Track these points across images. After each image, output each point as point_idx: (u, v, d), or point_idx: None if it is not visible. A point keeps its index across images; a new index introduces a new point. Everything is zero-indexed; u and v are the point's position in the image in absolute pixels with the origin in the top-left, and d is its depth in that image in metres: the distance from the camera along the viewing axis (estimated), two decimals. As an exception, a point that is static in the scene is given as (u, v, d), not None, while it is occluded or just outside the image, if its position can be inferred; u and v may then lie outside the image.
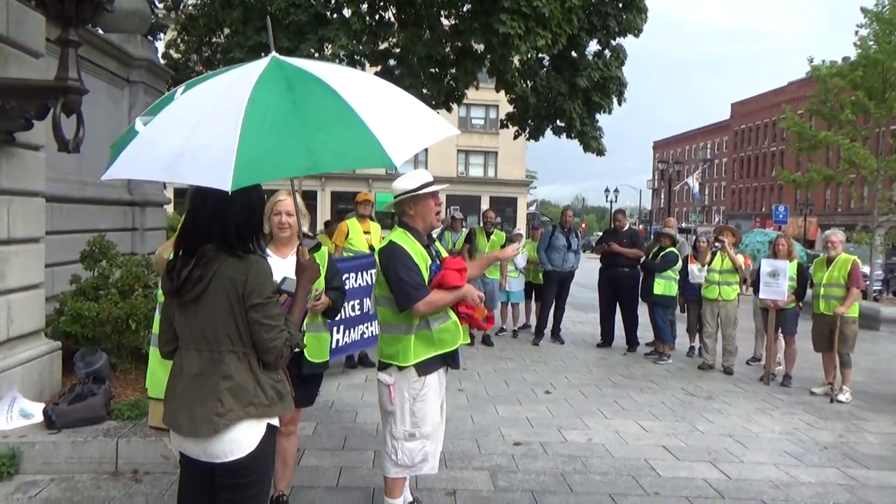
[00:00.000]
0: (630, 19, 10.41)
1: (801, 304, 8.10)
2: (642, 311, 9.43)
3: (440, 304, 3.34)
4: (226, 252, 2.19)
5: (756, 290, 8.18)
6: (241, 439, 2.17)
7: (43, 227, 5.08)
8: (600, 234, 10.05)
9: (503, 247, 9.44)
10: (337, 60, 8.84)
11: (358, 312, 6.77)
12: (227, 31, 11.93)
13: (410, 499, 3.83)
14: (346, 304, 6.56)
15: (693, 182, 29.26)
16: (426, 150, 43.03)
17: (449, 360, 3.51)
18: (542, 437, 5.42)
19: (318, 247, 3.64)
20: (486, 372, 7.77)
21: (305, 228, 3.56)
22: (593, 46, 11.23)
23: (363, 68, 10.47)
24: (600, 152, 11.81)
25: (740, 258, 8.49)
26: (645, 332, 9.58)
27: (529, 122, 12.00)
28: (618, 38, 11.03)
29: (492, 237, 9.36)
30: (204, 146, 1.95)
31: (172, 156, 1.97)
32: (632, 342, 9.52)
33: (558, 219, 9.94)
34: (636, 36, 10.90)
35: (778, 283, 7.82)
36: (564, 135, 11.73)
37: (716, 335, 8.55)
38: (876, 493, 4.59)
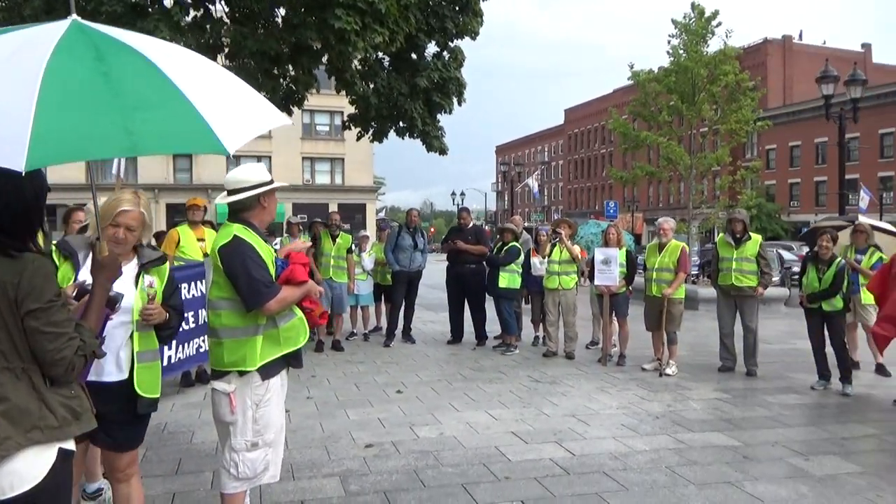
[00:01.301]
0: (466, 21, 10.68)
1: (630, 288, 8.70)
2: (489, 306, 9.69)
3: (290, 301, 3.16)
4: None
5: (591, 278, 8.69)
6: (22, 470, 1.85)
7: None
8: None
9: (349, 250, 9.31)
10: None
11: (192, 325, 6.32)
12: None
13: (252, 516, 3.58)
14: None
15: (533, 182, 30.75)
16: (269, 156, 41.77)
17: (292, 360, 3.32)
18: (394, 436, 5.35)
19: (162, 259, 3.13)
20: (335, 377, 7.57)
21: (146, 240, 3.12)
22: (432, 48, 11.42)
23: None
24: (443, 151, 12.00)
25: (577, 249, 8.98)
26: (493, 325, 9.85)
27: (372, 122, 11.93)
28: (455, 41, 11.29)
29: (338, 240, 9.17)
30: None
31: None
32: (480, 336, 9.75)
33: (404, 220, 9.94)
34: (473, 38, 11.22)
35: (610, 269, 8.35)
36: (407, 135, 11.80)
37: (558, 323, 8.97)
38: (700, 453, 5.00)
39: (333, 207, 44.77)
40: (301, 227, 10.15)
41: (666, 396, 6.80)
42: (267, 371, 3.16)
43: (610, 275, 8.36)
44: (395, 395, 6.74)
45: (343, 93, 11.09)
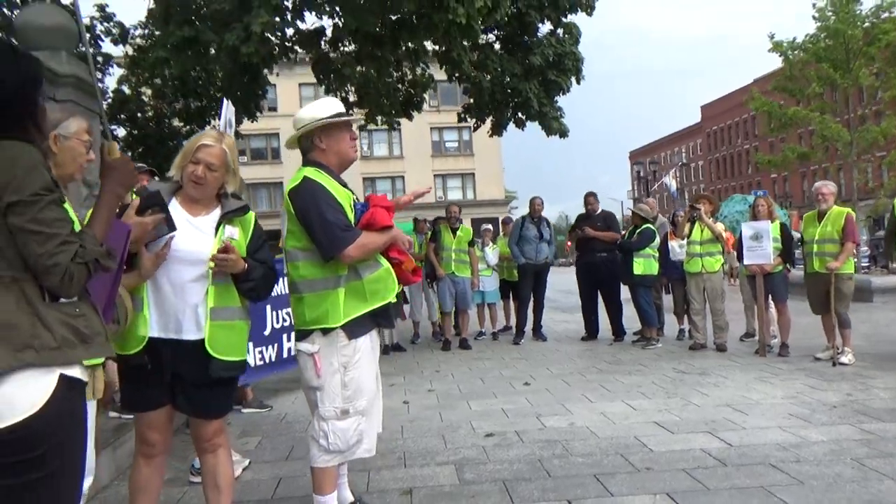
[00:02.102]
0: (579, -8, 10.03)
1: (788, 266, 7.57)
2: (626, 299, 8.87)
3: (372, 248, 2.77)
4: None
5: (740, 258, 7.66)
6: (14, 398, 1.54)
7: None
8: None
9: (471, 244, 8.92)
10: (261, 43, 8.36)
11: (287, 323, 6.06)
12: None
13: (351, 498, 3.19)
14: (276, 313, 5.93)
15: (669, 180, 28.85)
16: (402, 175, 42.89)
17: (381, 318, 2.91)
18: (518, 426, 4.80)
19: (245, 209, 2.78)
20: (460, 372, 7.14)
21: (231, 189, 2.77)
22: (545, 29, 10.87)
23: (295, 55, 10.05)
24: (563, 133, 11.32)
25: (720, 226, 7.99)
26: (632, 322, 9.01)
27: (488, 109, 11.51)
28: (569, 15, 10.66)
29: (458, 233, 8.81)
30: None
31: None
32: (618, 332, 8.95)
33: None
34: (588, 13, 10.53)
35: (762, 245, 7.29)
36: (525, 119, 11.26)
37: (704, 311, 8.00)
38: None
39: (467, 222, 45.07)
40: (428, 225, 9.91)
41: (843, 386, 5.71)
42: (353, 329, 2.78)
43: (762, 251, 7.29)
44: (523, 388, 6.18)
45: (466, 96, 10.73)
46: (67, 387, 1.62)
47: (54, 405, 1.58)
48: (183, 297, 2.57)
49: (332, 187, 2.78)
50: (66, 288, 1.60)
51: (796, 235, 7.83)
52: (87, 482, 2.49)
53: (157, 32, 12.03)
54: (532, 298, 9.36)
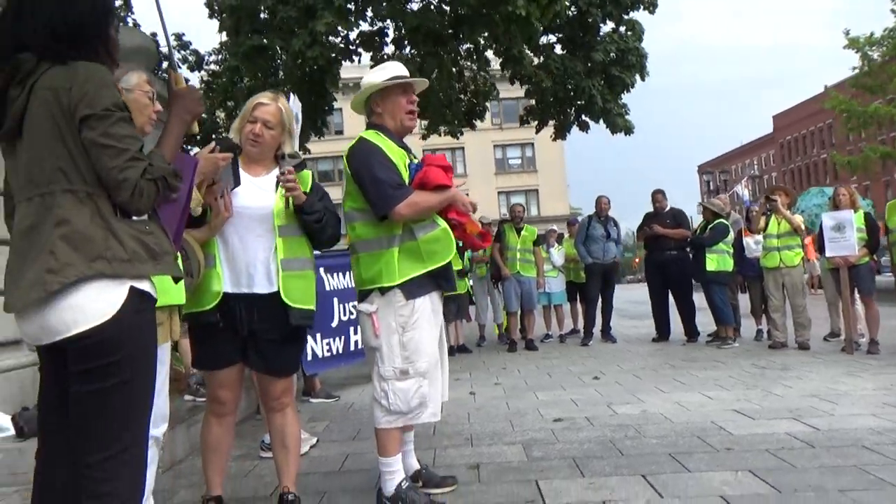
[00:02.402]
0: (641, -10, 9.87)
1: (875, 258, 7.11)
2: (699, 298, 8.53)
3: (425, 207, 2.73)
4: (47, 59, 1.63)
5: (821, 250, 7.25)
6: (87, 305, 1.56)
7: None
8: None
9: (535, 243, 8.81)
10: (327, 45, 8.58)
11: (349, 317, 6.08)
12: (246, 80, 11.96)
13: (417, 466, 3.13)
14: (343, 305, 5.96)
15: (742, 189, 27.84)
16: (466, 193, 42.95)
17: (441, 281, 2.86)
18: (587, 413, 4.64)
19: (303, 165, 2.85)
20: (527, 369, 7.00)
21: (288, 150, 2.84)
22: (606, 29, 10.72)
23: (359, 58, 10.26)
24: (628, 130, 11.06)
25: (798, 218, 7.59)
26: (706, 326, 8.65)
27: (550, 111, 11.40)
28: (631, 13, 10.48)
29: (522, 233, 8.71)
30: None
31: None
32: (691, 332, 8.60)
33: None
34: (651, 11, 10.33)
35: (845, 236, 6.88)
36: (589, 118, 11.08)
37: (784, 308, 7.60)
38: None
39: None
40: (493, 227, 9.82)
41: (943, 377, 5.28)
42: (411, 290, 2.74)
43: (846, 242, 6.88)
44: (592, 381, 6.00)
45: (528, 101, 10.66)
46: (138, 299, 1.64)
47: (125, 315, 1.60)
48: (252, 251, 2.64)
49: (387, 148, 2.77)
50: (135, 203, 1.62)
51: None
52: (161, 429, 2.53)
53: (227, 57, 12.54)
54: (600, 299, 9.14)
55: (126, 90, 2.35)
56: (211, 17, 11.15)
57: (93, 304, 1.57)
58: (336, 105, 13.11)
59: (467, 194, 2.92)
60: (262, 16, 9.17)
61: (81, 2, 1.70)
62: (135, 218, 1.69)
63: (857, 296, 7.21)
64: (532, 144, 43.83)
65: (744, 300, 9.14)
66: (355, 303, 6.05)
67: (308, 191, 2.76)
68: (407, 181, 2.77)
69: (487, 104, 13.12)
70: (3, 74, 1.65)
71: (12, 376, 4.42)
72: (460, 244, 3.03)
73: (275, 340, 2.65)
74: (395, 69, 2.97)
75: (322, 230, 2.74)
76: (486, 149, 43.45)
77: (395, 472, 2.80)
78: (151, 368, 1.70)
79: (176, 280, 1.92)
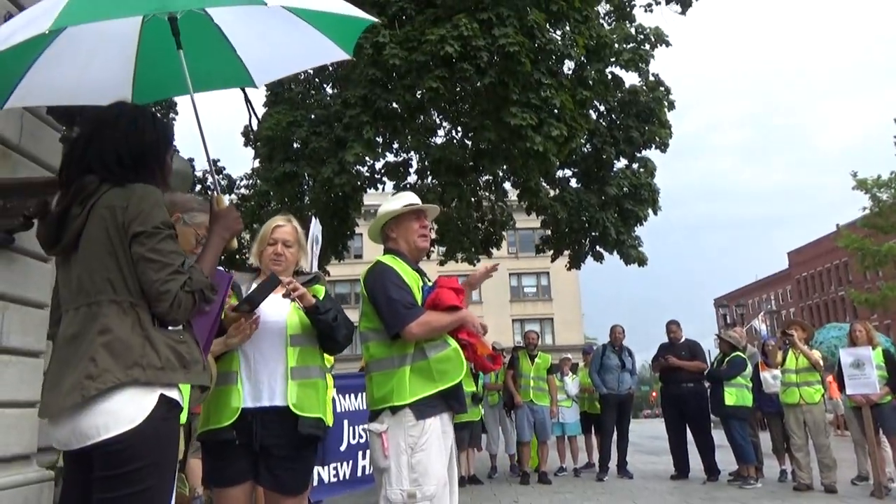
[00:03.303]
0: (653, 131, 10.44)
1: (899, 396, 6.95)
2: (719, 436, 8.29)
3: (436, 327, 2.81)
4: (109, 182, 1.81)
5: (841, 388, 7.12)
6: (119, 410, 1.64)
7: (44, 340, 4.82)
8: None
9: (549, 371, 8.74)
10: (355, 171, 9.07)
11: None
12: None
13: None
14: (353, 428, 5.89)
15: (759, 324, 27.64)
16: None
17: (452, 402, 2.88)
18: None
19: (316, 279, 3.01)
20: (540, 502, 6.72)
21: (305, 266, 3.03)
22: (619, 165, 11.25)
23: (383, 185, 10.74)
24: (641, 262, 11.27)
25: (816, 354, 7.51)
26: (726, 464, 8.34)
27: (565, 241, 11.70)
28: (643, 151, 11.02)
29: (536, 360, 8.66)
30: None
31: None
32: (711, 469, 8.26)
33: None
34: (662, 150, 10.89)
35: (865, 373, 6.79)
36: (603, 249, 11.34)
37: (807, 447, 7.33)
38: None
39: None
40: (503, 355, 9.83)
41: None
42: (421, 409, 2.76)
43: (866, 380, 6.77)
44: (607, 518, 5.74)
45: (540, 222, 11.07)
46: (165, 407, 1.72)
47: (152, 422, 1.67)
48: (273, 365, 2.74)
49: (402, 270, 2.91)
50: (174, 313, 1.74)
51: None
52: None
53: (258, 182, 13.24)
54: (616, 432, 8.89)
55: (185, 222, 2.55)
56: (246, 145, 11.92)
57: (124, 410, 1.65)
58: (357, 230, 13.62)
59: (482, 319, 3.01)
60: (294, 145, 9.82)
61: (148, 133, 1.91)
62: (170, 328, 1.80)
63: (883, 437, 6.98)
64: (547, 273, 44.37)
65: (765, 439, 8.85)
66: (365, 425, 6.04)
67: (322, 299, 2.89)
68: (420, 303, 2.87)
69: (504, 233, 13.52)
70: (68, 195, 1.82)
71: (17, 493, 4.35)
72: (472, 366, 3.07)
73: (286, 456, 2.68)
74: (409, 198, 3.16)
75: (337, 328, 2.84)
76: (501, 276, 43.97)
77: None
78: (172, 476, 1.75)
79: (202, 390, 1.99)
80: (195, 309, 1.78)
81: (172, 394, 1.74)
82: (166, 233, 1.77)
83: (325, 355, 4.02)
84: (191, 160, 10.84)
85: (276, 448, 2.66)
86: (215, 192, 2.16)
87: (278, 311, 2.83)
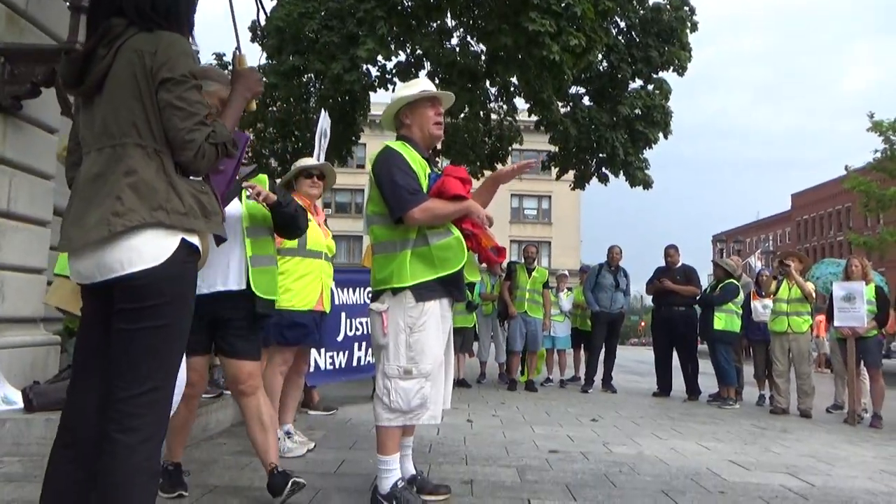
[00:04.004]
0: (673, 52, 10.19)
1: (884, 331, 7.13)
2: (704, 361, 8.53)
3: (439, 214, 2.86)
4: (138, 25, 1.81)
5: (830, 318, 7.28)
6: (143, 248, 1.70)
7: (51, 211, 4.89)
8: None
9: (545, 285, 8.87)
10: (365, 70, 8.93)
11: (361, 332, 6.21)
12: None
13: (413, 471, 3.17)
14: (350, 321, 6.08)
15: (755, 261, 27.84)
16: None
17: (452, 289, 2.96)
18: (583, 448, 4.65)
19: (254, 172, 3.29)
20: (526, 405, 7.00)
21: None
22: (634, 86, 11.03)
23: (393, 87, 10.60)
24: (646, 184, 11.27)
25: (810, 286, 7.64)
26: (708, 387, 8.63)
27: (572, 160, 11.65)
28: (660, 72, 10.80)
29: (533, 273, 8.79)
30: None
31: None
32: (693, 390, 8.57)
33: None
34: (680, 74, 10.66)
35: (855, 307, 6.93)
36: (609, 171, 11.30)
37: (788, 374, 7.58)
38: None
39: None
40: (501, 268, 9.96)
41: (944, 453, 5.24)
42: (422, 293, 2.85)
43: (855, 313, 6.92)
44: (590, 422, 6.00)
45: (546, 136, 10.99)
46: (186, 250, 1.78)
47: (174, 263, 1.73)
48: (225, 254, 2.92)
49: (409, 157, 2.93)
50: (197, 163, 1.77)
51: None
52: (178, 396, 2.63)
53: (265, 78, 13.02)
54: (604, 349, 9.15)
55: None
56: (253, 40, 11.60)
57: (148, 249, 1.70)
58: (361, 140, 13.50)
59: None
60: (305, 39, 9.57)
61: None
62: (192, 178, 1.83)
63: (863, 369, 7.20)
64: (549, 197, 44.30)
65: (749, 369, 9.12)
66: (363, 319, 6.22)
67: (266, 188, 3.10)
68: (426, 190, 2.90)
69: (510, 149, 13.38)
70: (95, 35, 1.81)
71: (26, 352, 4.53)
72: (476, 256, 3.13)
73: (242, 328, 2.97)
74: (424, 84, 3.14)
75: (298, 217, 3.14)
76: (503, 197, 43.89)
77: (392, 471, 2.86)
78: (189, 315, 1.82)
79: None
80: (217, 161, 1.81)
81: (193, 239, 1.79)
82: (193, 82, 1.77)
83: (328, 245, 4.20)
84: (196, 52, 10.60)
85: (233, 321, 2.95)
86: (237, 52, 2.16)
87: (233, 205, 3.03)
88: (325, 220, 4.47)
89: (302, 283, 3.92)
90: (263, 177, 3.22)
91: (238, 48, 2.42)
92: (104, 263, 1.71)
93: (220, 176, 2.12)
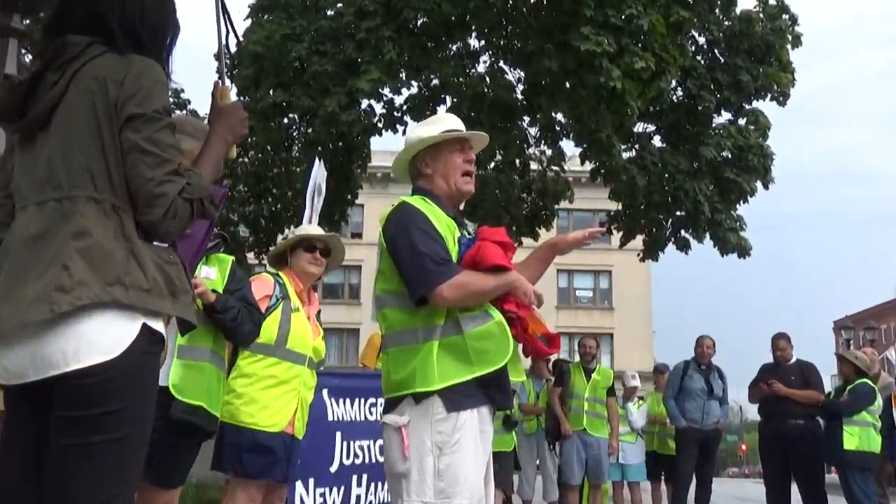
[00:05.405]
0: (770, 74, 10.35)
1: None
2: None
3: (475, 291, 2.88)
4: (114, 45, 1.89)
5: None
6: (95, 335, 1.71)
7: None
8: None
9: (610, 391, 8.79)
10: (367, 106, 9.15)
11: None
12: None
13: None
14: (348, 443, 6.03)
15: (894, 355, 27.41)
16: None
17: (494, 392, 2.95)
18: None
19: (217, 246, 3.40)
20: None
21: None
22: (720, 120, 11.20)
23: (404, 127, 10.80)
24: (742, 251, 11.17)
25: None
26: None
27: (641, 221, 11.68)
28: (754, 101, 10.94)
29: (593, 376, 8.71)
30: None
31: None
32: (820, 530, 8.30)
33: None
34: (781, 103, 10.78)
35: None
36: (691, 233, 11.29)
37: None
38: None
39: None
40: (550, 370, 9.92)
41: None
42: (455, 399, 2.82)
43: None
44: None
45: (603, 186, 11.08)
46: (148, 339, 1.80)
47: (133, 355, 1.75)
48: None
49: (433, 216, 2.96)
50: (167, 224, 1.81)
51: None
52: None
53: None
54: (695, 480, 8.96)
55: None
56: (226, 73, 12.07)
57: (101, 336, 1.73)
58: (358, 200, 13.80)
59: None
60: (289, 70, 9.90)
61: (170, 18, 2.05)
62: (157, 244, 1.88)
63: None
64: (609, 272, 44.26)
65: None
66: (364, 442, 6.18)
67: (224, 280, 3.24)
68: (456, 259, 2.93)
69: (557, 208, 13.53)
70: (45, 56, 1.91)
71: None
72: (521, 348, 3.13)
73: (158, 440, 2.88)
74: (450, 122, 3.23)
75: (236, 329, 3.23)
76: (546, 274, 43.74)
77: None
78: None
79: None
80: (191, 222, 1.87)
81: (157, 324, 1.83)
82: (167, 121, 1.84)
83: (315, 347, 4.26)
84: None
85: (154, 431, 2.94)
86: (220, 82, 2.26)
87: None
88: (319, 313, 4.53)
89: (272, 395, 3.93)
90: (227, 258, 3.35)
91: (221, 76, 2.53)
92: (43, 355, 1.71)
93: (188, 241, 2.19)
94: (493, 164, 12.10)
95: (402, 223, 2.95)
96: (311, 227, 4.65)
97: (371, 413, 6.15)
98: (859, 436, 7.90)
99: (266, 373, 3.91)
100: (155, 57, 1.95)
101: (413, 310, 2.90)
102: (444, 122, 3.23)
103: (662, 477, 9.82)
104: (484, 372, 2.87)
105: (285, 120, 11.18)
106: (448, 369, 2.85)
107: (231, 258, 3.38)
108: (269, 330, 3.90)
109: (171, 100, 10.78)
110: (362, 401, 6.20)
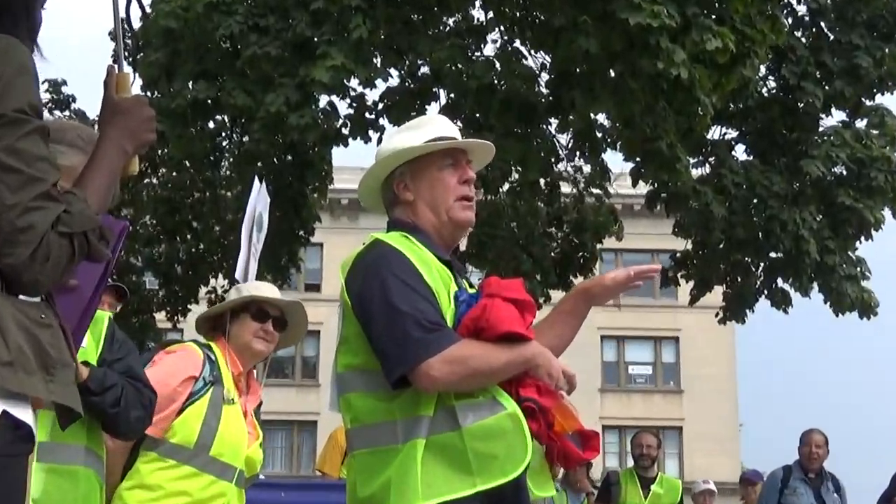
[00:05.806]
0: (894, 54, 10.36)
1: None
2: None
3: (479, 370, 2.84)
4: None
5: None
6: None
7: None
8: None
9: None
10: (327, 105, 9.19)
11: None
12: None
13: None
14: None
15: None
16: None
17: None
18: None
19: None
20: None
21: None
22: (830, 122, 11.23)
23: (380, 133, 10.81)
24: (867, 308, 11.02)
25: None
26: None
27: (719, 266, 11.65)
28: (878, 95, 10.94)
29: (653, 487, 8.72)
30: None
31: None
32: None
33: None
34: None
35: None
36: (793, 282, 11.25)
37: None
38: None
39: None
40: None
41: None
42: None
43: None
44: None
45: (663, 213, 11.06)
46: (10, 433, 1.77)
47: None
48: None
49: (418, 259, 2.93)
50: (35, 270, 1.77)
51: None
52: None
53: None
54: None
55: None
56: (116, 61, 12.13)
57: None
58: (314, 239, 13.77)
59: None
60: (216, 53, 9.94)
61: None
62: (23, 297, 1.85)
63: None
64: (676, 339, 44.38)
65: None
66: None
67: (99, 347, 3.26)
68: (452, 322, 2.91)
69: (599, 248, 13.55)
70: None
71: None
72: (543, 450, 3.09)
73: None
74: (440, 127, 3.23)
75: (119, 416, 3.21)
76: (587, 341, 44.00)
77: None
78: None
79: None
80: (72, 266, 1.84)
81: (22, 414, 1.79)
82: (36, 125, 1.83)
83: (251, 457, 4.28)
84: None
85: None
86: (117, 67, 2.25)
87: None
88: (260, 406, 4.53)
89: None
90: (101, 315, 3.29)
91: (118, 59, 2.52)
92: None
93: (71, 296, 2.15)
94: (506, 186, 12.11)
95: (373, 271, 2.91)
96: (264, 285, 4.63)
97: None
98: None
99: (176, 487, 3.86)
100: (13, 29, 1.95)
101: (390, 395, 2.86)
102: (429, 125, 3.24)
103: None
104: (490, 486, 2.81)
105: (211, 124, 11.15)
106: (437, 480, 2.80)
107: (107, 315, 3.34)
108: (188, 427, 3.88)
109: (45, 95, 11.09)
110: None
